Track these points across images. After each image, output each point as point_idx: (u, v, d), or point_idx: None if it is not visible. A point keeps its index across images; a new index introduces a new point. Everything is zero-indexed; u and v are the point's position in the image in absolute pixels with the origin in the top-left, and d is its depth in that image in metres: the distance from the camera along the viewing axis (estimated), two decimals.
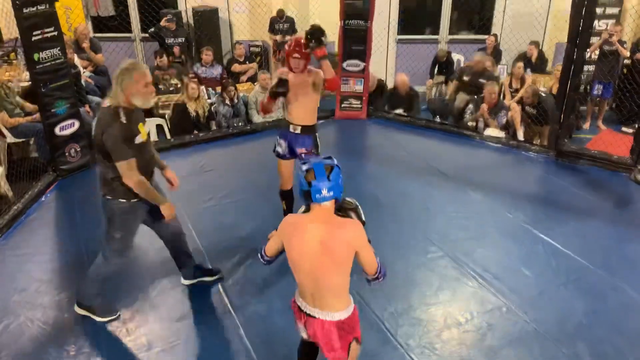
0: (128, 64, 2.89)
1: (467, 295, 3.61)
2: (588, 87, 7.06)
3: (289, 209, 4.07)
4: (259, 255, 2.40)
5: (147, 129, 3.10)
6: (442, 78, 7.66)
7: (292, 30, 7.83)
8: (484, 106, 6.26)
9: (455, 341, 3.23)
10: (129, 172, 2.88)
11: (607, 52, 6.71)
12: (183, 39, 7.55)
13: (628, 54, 6.69)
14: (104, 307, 3.33)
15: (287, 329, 3.28)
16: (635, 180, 5.22)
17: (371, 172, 5.51)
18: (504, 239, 4.23)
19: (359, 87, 6.70)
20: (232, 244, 4.11)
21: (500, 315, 3.44)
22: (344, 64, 6.56)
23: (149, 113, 6.58)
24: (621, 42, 6.67)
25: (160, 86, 6.77)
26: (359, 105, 6.80)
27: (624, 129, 6.89)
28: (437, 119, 6.94)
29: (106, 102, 2.91)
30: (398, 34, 8.54)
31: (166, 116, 6.36)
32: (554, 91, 6.52)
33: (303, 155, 3.79)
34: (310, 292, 2.22)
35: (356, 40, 6.47)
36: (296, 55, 3.63)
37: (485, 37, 7.97)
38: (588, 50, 5.83)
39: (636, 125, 5.40)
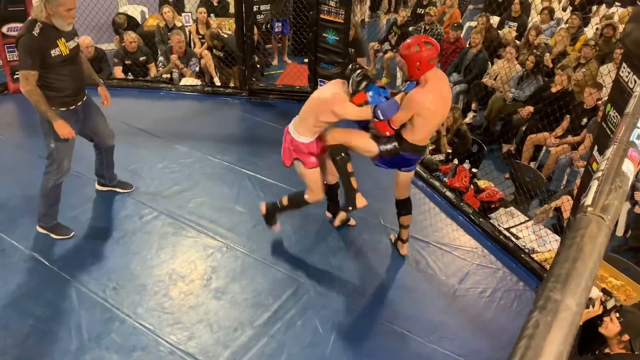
0: None
1: (188, 247, 3.66)
2: (269, 26, 7.55)
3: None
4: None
5: (73, 45, 3.28)
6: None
7: None
8: (174, 56, 6.18)
9: (184, 294, 3.27)
10: (23, 80, 3.12)
11: None
12: None
13: None
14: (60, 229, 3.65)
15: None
16: None
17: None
18: (214, 184, 4.37)
19: None
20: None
21: (222, 256, 3.60)
22: (4, 29, 5.64)
23: None
24: None
25: None
26: None
27: (305, 60, 7.64)
28: (130, 76, 6.62)
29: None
30: None
31: None
32: None
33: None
34: None
35: (12, 0, 5.58)
36: None
37: None
38: None
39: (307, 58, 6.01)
